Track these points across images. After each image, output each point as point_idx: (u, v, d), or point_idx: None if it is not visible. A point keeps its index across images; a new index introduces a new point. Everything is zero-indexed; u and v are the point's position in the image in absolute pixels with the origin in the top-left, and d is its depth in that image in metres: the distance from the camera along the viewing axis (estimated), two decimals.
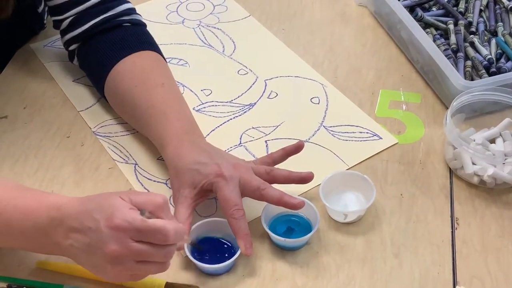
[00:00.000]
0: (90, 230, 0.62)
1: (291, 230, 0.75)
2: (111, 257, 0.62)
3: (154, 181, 0.84)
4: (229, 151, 0.87)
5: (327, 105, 0.94)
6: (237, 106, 0.94)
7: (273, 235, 0.74)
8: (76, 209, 0.64)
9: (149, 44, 0.91)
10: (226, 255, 0.72)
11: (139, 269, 0.64)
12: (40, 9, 1.04)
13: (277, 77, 0.99)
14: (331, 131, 0.90)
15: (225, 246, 0.74)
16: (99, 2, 0.91)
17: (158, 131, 0.81)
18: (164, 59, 0.91)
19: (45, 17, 1.07)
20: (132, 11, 0.93)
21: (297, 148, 0.81)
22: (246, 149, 0.88)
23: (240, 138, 0.89)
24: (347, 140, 0.88)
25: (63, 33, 0.94)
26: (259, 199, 0.75)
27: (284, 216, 0.76)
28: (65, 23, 0.92)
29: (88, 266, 0.66)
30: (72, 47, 0.94)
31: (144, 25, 0.95)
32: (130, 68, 0.87)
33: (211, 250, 0.73)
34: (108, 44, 0.90)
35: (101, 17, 0.90)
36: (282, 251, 0.75)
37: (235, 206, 0.72)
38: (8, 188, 0.69)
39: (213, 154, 0.77)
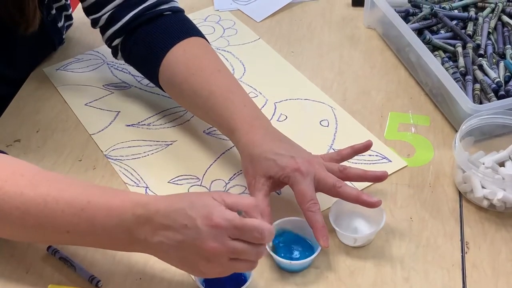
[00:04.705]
0: (186, 227, 0.63)
1: (296, 254, 0.76)
2: (209, 254, 0.63)
3: None
4: (239, 174, 0.87)
5: (336, 128, 0.94)
6: None
7: (277, 258, 0.74)
8: (165, 206, 0.65)
9: (194, 30, 0.92)
10: (235, 283, 0.72)
11: (231, 266, 0.65)
12: (60, 24, 1.06)
13: (287, 99, 1.00)
14: None
15: (234, 274, 0.73)
16: None
17: (224, 117, 0.82)
18: (210, 44, 0.92)
19: (64, 33, 1.09)
20: None
21: (365, 147, 0.83)
22: None
23: None
24: (356, 163, 0.88)
25: (103, 30, 0.94)
26: (335, 196, 0.77)
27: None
28: (102, 19, 0.92)
29: (174, 262, 0.67)
30: (115, 43, 0.94)
31: (183, 11, 0.95)
32: (183, 57, 0.87)
33: (220, 279, 0.72)
34: (154, 35, 0.90)
35: (140, 7, 0.90)
36: (292, 275, 0.75)
37: (312, 200, 0.74)
38: (86, 185, 0.70)
39: (286, 145, 0.79)
